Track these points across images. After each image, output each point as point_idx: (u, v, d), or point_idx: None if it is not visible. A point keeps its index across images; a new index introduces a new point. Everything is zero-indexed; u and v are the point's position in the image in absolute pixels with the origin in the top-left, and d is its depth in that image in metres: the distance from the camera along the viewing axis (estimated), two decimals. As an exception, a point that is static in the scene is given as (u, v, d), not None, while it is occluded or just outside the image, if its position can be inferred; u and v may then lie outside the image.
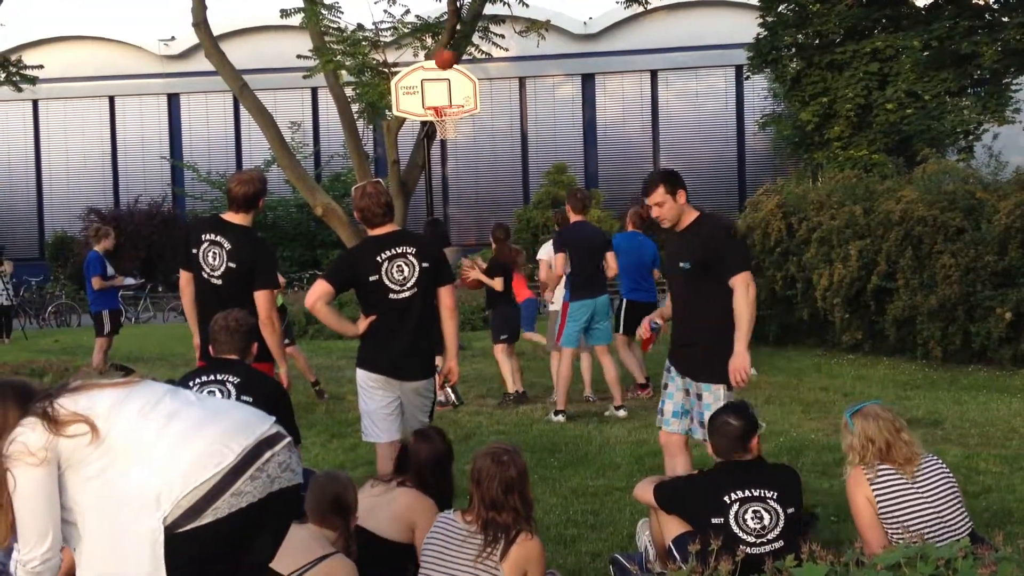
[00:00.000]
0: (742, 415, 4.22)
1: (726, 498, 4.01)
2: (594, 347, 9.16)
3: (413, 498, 4.29)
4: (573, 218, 9.09)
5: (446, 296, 5.49)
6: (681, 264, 5.23)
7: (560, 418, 8.73)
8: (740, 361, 5.04)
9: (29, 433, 2.83)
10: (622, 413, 8.86)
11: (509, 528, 3.76)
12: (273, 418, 3.08)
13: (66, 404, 2.89)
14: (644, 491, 4.40)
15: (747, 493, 4.02)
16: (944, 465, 4.17)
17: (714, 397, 5.07)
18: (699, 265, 5.16)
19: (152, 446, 2.88)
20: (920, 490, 4.02)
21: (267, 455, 2.92)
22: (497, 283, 9.81)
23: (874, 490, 4.03)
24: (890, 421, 4.11)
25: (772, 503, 4.02)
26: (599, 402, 9.43)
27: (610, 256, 9.01)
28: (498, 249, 10.07)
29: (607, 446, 7.64)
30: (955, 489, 4.11)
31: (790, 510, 4.05)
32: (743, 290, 5.04)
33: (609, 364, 9.04)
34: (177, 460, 2.85)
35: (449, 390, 8.59)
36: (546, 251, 9.77)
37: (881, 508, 4.01)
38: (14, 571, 2.99)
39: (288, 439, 3.04)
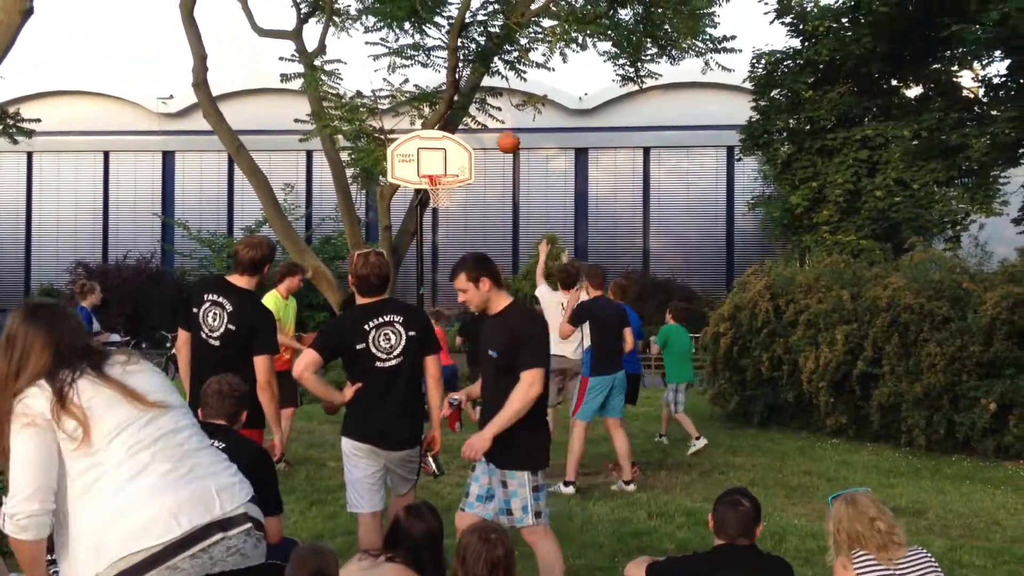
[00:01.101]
0: (751, 499, 4.16)
1: None
2: (607, 420, 9.15)
3: (400, 574, 4.23)
4: (592, 294, 9.22)
5: (432, 365, 5.53)
6: (489, 351, 5.19)
7: (570, 489, 8.72)
8: (480, 442, 4.98)
9: (35, 399, 2.88)
10: (631, 488, 8.87)
11: (492, 608, 3.71)
12: (247, 497, 2.99)
13: (86, 393, 2.90)
14: (636, 571, 4.34)
15: None
16: (932, 558, 4.14)
17: (518, 483, 5.04)
18: (505, 354, 5.09)
19: (113, 495, 2.86)
20: None
21: (216, 537, 2.86)
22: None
23: None
24: (869, 507, 4.08)
25: None
26: (581, 476, 9.36)
27: (627, 332, 9.14)
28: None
29: (589, 524, 7.57)
30: None
31: None
32: (525, 386, 4.94)
33: (621, 438, 9.07)
34: (126, 519, 2.82)
35: (431, 459, 8.52)
36: (542, 291, 10.14)
37: None
38: (2, 523, 2.95)
39: (248, 525, 2.96)
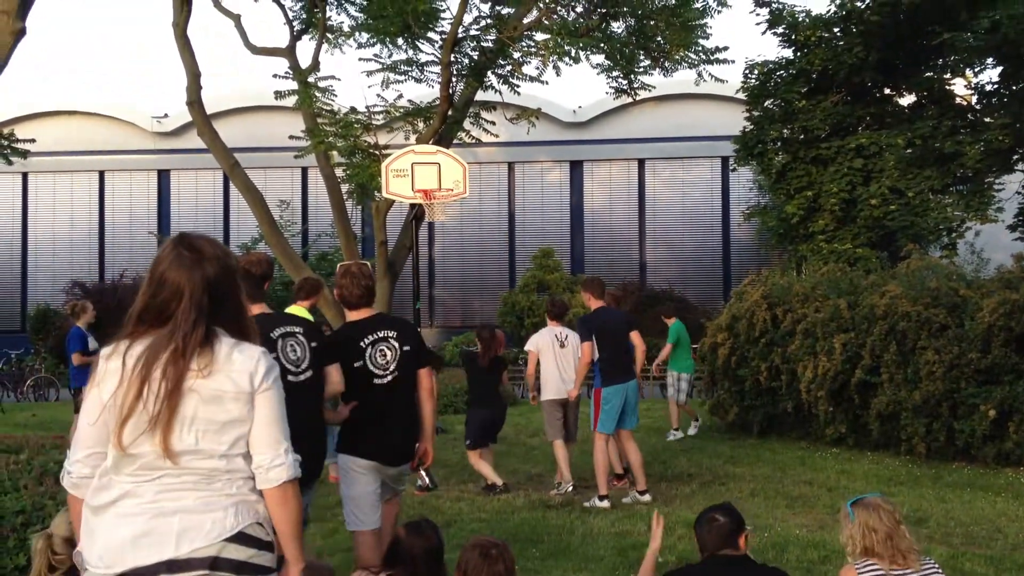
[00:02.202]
0: (729, 512, 4.15)
1: None
2: (619, 431, 9.09)
3: (400, 592, 4.20)
4: (594, 304, 9.14)
5: (425, 378, 5.52)
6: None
7: (605, 503, 8.69)
8: None
9: (103, 359, 2.83)
10: (646, 498, 8.88)
11: (493, 624, 3.68)
12: (222, 536, 2.81)
13: (130, 365, 2.80)
14: None
15: None
16: (940, 570, 4.10)
17: None
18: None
19: (87, 520, 2.84)
20: None
21: None
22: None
23: None
24: (891, 512, 4.06)
25: None
26: (583, 489, 9.34)
27: (635, 335, 9.10)
28: (483, 348, 10.04)
29: (590, 537, 7.54)
30: None
31: None
32: None
33: (634, 449, 9.06)
34: (88, 548, 2.80)
35: (424, 472, 8.49)
36: (533, 343, 9.80)
37: None
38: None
39: (201, 572, 2.78)
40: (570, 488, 9.31)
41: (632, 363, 9.08)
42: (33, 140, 21.74)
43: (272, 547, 2.91)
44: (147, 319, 2.83)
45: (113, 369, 2.78)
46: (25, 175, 29.52)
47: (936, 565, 4.08)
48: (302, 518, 2.98)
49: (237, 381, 2.82)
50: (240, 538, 2.82)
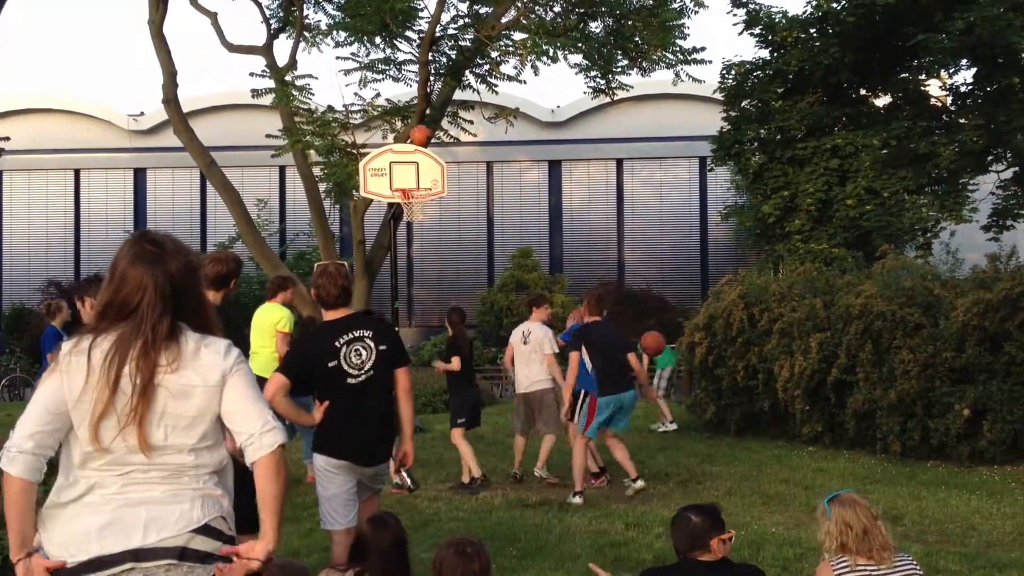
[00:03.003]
0: (704, 512, 4.14)
1: None
2: (606, 430, 9.29)
3: (369, 588, 4.20)
4: (590, 318, 9.40)
5: (402, 377, 5.51)
6: None
7: (579, 499, 8.85)
8: None
9: (65, 353, 2.84)
10: (640, 484, 9.18)
11: (467, 623, 3.67)
12: (189, 527, 2.79)
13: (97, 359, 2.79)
14: None
15: None
16: (916, 565, 4.13)
17: None
18: None
19: (48, 512, 2.81)
20: None
21: (126, 567, 2.73)
22: (454, 363, 9.94)
23: None
24: (867, 508, 4.09)
25: None
26: (559, 488, 9.36)
27: (632, 357, 9.36)
28: (455, 331, 10.20)
29: (567, 535, 7.55)
30: None
31: None
32: None
33: (618, 445, 9.31)
34: (52, 538, 2.78)
35: (404, 473, 8.51)
36: (512, 336, 10.13)
37: None
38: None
39: (167, 560, 2.76)
40: (512, 472, 9.91)
41: (628, 375, 9.33)
42: (7, 138, 21.57)
43: (234, 542, 2.90)
44: (110, 314, 2.83)
45: (78, 364, 2.78)
46: (0, 173, 29.27)
47: (913, 561, 4.11)
48: (286, 493, 2.98)
49: (205, 376, 2.82)
50: (206, 530, 2.82)
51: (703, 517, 4.07)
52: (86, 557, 2.72)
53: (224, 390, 2.85)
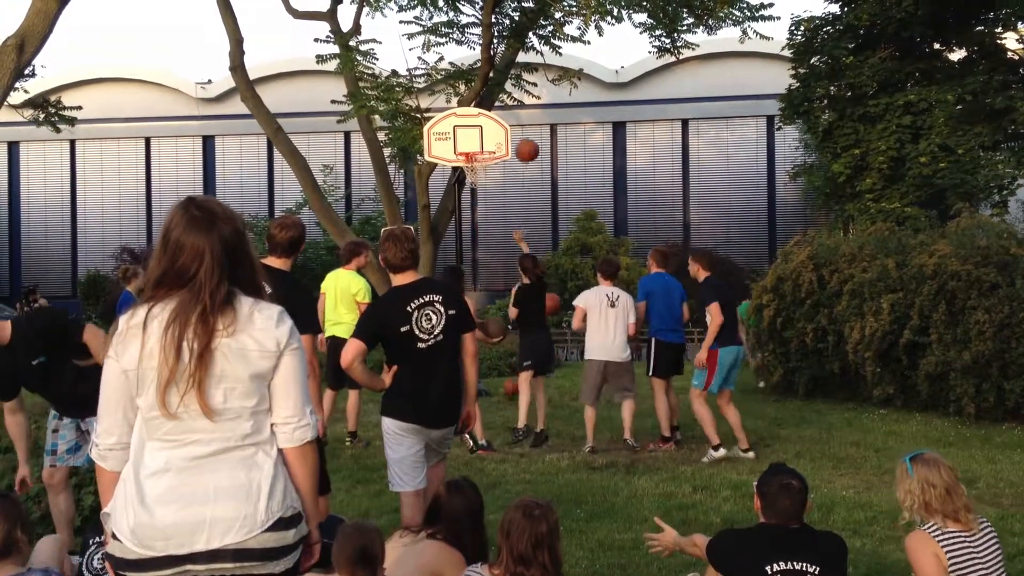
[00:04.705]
0: (800, 477, 4.04)
1: (768, 568, 3.81)
2: (721, 391, 9.25)
3: (440, 550, 4.25)
4: (702, 275, 9.41)
5: (469, 342, 5.57)
6: None
7: (722, 451, 8.96)
8: None
9: (123, 326, 2.83)
10: (750, 455, 9.05)
11: (536, 584, 3.70)
12: (255, 530, 2.76)
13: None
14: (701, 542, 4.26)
15: (789, 566, 3.81)
16: (995, 532, 4.06)
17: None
18: None
19: (125, 483, 2.81)
20: (979, 552, 3.91)
21: (183, 568, 2.74)
22: (512, 312, 10.13)
23: (944, 547, 3.89)
24: (949, 468, 4.03)
25: None
26: (625, 452, 9.35)
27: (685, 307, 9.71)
28: (527, 277, 10.20)
29: (634, 498, 7.55)
30: (1002, 558, 4.00)
31: None
32: None
33: (732, 410, 9.25)
34: (120, 518, 2.78)
35: (467, 435, 8.60)
36: (583, 299, 9.78)
37: (952, 567, 3.86)
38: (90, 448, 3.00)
39: (226, 564, 2.76)
40: (587, 449, 9.41)
41: (736, 327, 9.55)
42: (80, 107, 21.94)
43: (301, 517, 2.90)
44: (166, 283, 2.84)
45: (134, 335, 2.79)
46: (73, 142, 29.82)
47: (990, 525, 4.05)
48: (318, 474, 3.03)
49: (260, 340, 2.83)
50: (275, 525, 2.81)
51: (802, 483, 3.98)
52: (152, 554, 2.73)
53: (278, 365, 2.87)
